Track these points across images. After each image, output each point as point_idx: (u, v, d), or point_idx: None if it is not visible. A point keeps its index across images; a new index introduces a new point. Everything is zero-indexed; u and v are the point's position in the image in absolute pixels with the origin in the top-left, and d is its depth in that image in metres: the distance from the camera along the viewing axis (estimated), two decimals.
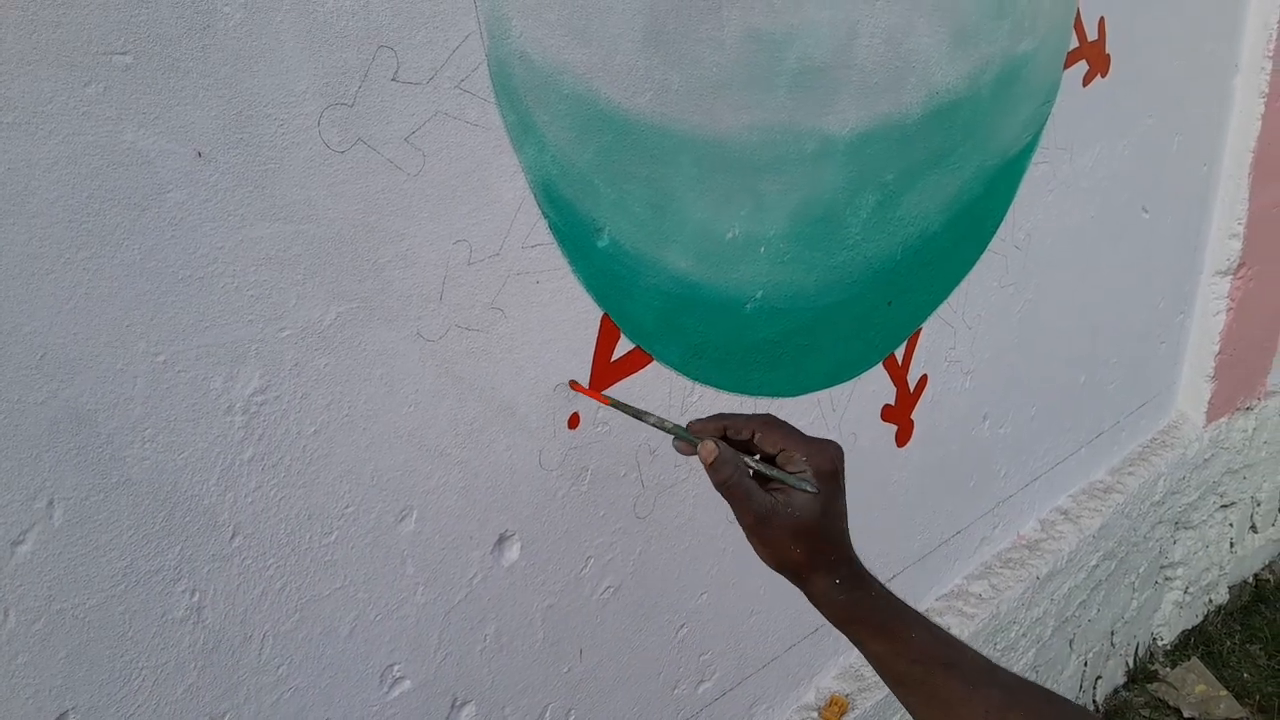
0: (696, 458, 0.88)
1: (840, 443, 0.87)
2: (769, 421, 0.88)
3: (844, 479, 0.87)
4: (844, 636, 0.86)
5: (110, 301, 0.75)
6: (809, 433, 0.87)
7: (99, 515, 0.79)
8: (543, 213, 1.01)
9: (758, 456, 0.88)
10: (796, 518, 0.83)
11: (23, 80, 0.68)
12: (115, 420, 0.78)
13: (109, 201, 0.73)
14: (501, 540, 1.10)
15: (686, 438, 0.90)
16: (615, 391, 1.16)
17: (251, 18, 0.77)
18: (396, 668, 1.04)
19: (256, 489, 0.88)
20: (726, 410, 1.27)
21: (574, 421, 1.12)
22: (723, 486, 0.86)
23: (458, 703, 1.12)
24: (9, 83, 0.67)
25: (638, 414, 0.97)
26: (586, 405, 1.13)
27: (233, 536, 0.87)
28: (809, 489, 0.83)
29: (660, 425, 0.94)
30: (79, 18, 0.69)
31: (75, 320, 0.74)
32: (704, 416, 0.91)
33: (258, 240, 0.81)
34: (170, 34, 0.73)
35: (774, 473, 0.85)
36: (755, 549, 0.86)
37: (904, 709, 0.86)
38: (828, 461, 0.85)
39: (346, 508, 0.95)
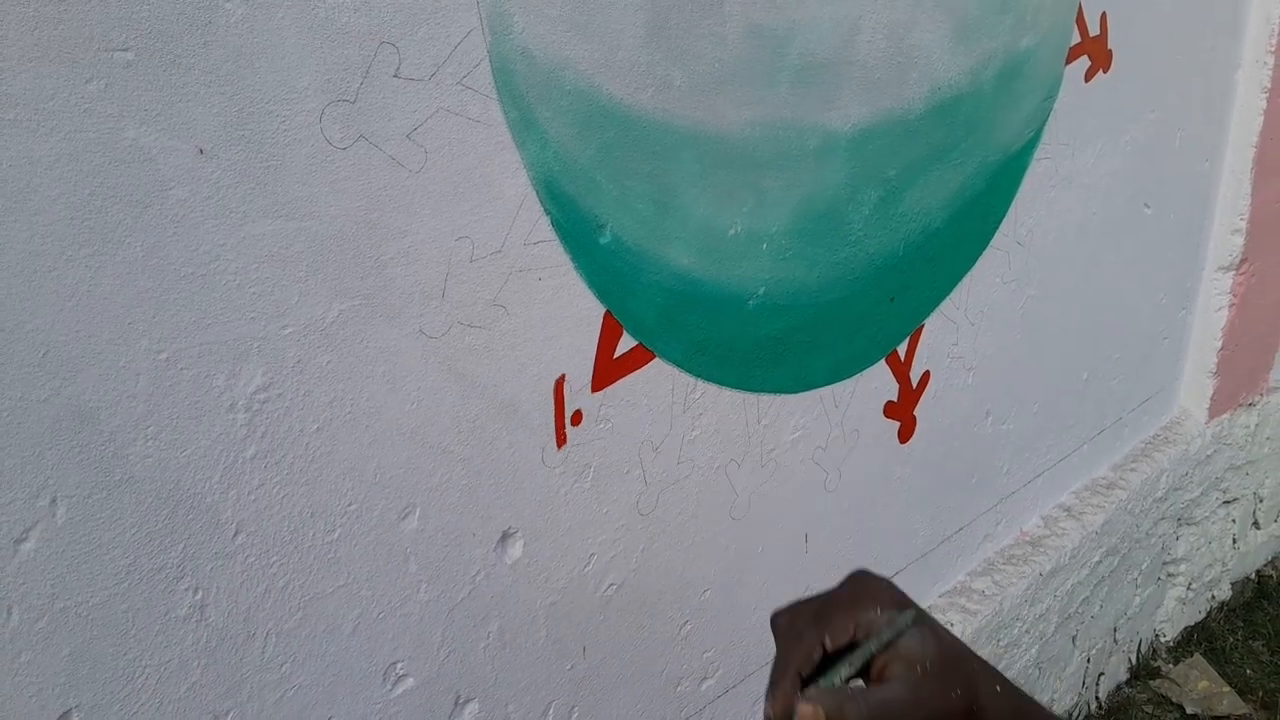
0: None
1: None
2: (817, 617, 0.66)
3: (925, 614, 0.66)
4: None
5: (112, 299, 0.75)
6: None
7: (102, 513, 0.79)
8: (545, 209, 1.01)
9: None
10: (925, 657, 0.63)
11: (24, 77, 0.68)
12: (118, 418, 0.77)
13: (111, 199, 0.73)
14: (504, 537, 1.10)
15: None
16: (618, 389, 1.15)
17: (253, 14, 0.76)
18: (400, 665, 1.04)
19: (259, 486, 0.87)
20: (722, 417, 1.24)
21: (577, 419, 1.12)
22: None
23: (461, 700, 1.12)
24: (10, 79, 0.67)
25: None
26: (590, 403, 1.13)
27: (235, 534, 0.87)
28: (903, 624, 0.63)
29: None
30: (80, 14, 0.69)
31: (77, 318, 0.74)
32: (771, 692, 0.64)
33: (260, 237, 0.81)
34: (172, 30, 0.73)
35: (865, 647, 0.63)
36: None
37: None
38: (885, 593, 0.66)
39: (349, 505, 0.95)
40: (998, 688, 0.64)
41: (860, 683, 0.63)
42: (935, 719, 0.62)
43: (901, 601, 0.65)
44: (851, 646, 0.64)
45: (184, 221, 0.77)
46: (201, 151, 0.76)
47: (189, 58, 0.74)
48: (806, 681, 0.64)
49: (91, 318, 0.74)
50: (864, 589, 0.66)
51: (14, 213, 0.69)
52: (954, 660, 0.64)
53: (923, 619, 0.64)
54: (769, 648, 1.44)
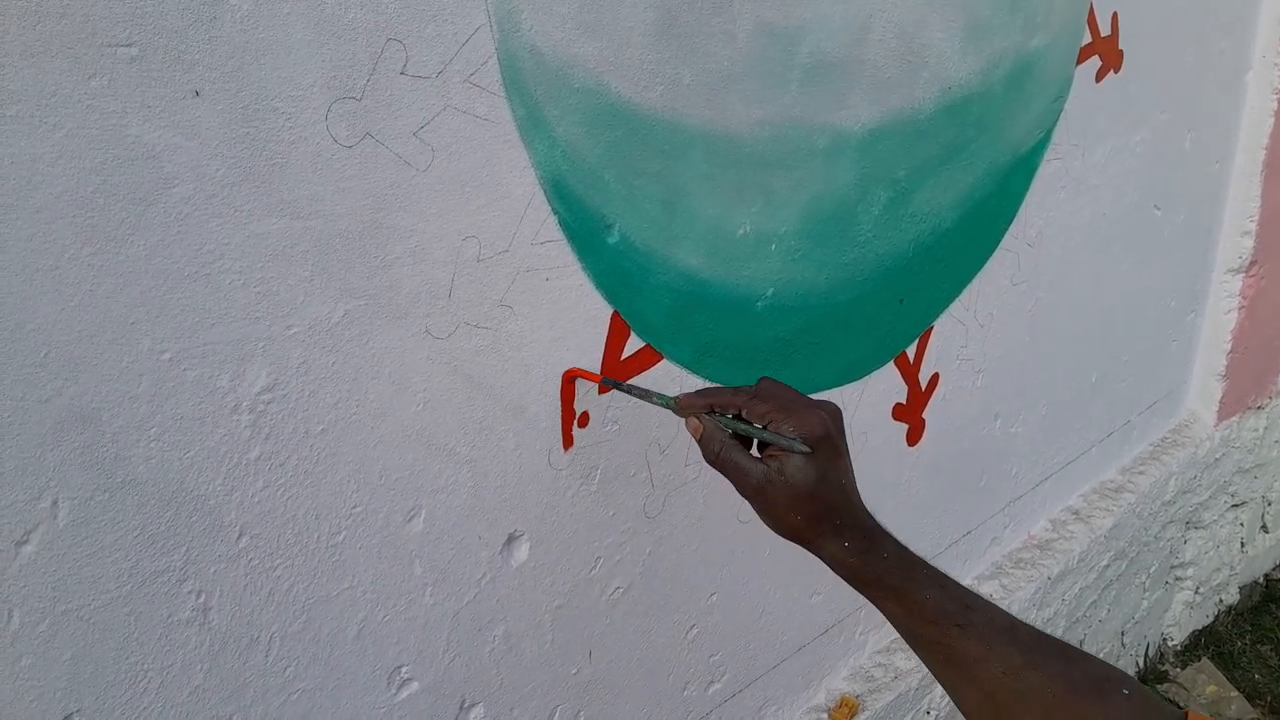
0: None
1: (851, 442, 0.85)
2: (758, 393, 0.88)
3: (844, 441, 0.86)
4: (856, 635, 0.86)
5: (115, 298, 0.74)
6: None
7: (104, 515, 0.78)
8: (552, 209, 1.00)
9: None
10: (792, 484, 0.82)
11: (27, 73, 0.67)
12: (120, 419, 0.76)
13: (114, 196, 0.72)
14: (510, 540, 1.09)
15: (673, 409, 0.91)
16: None
17: (259, 9, 0.75)
18: (405, 669, 1.03)
19: (264, 488, 0.86)
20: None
21: (584, 420, 1.11)
22: (713, 462, 0.86)
23: (466, 704, 1.11)
24: (12, 75, 0.66)
25: (632, 391, 0.99)
26: (596, 404, 1.12)
27: (239, 536, 0.86)
28: (798, 449, 0.82)
29: (654, 401, 0.95)
30: (84, 9, 0.68)
31: (79, 317, 0.73)
32: (692, 392, 0.92)
33: (264, 236, 0.80)
34: (176, 26, 0.72)
35: (764, 436, 0.84)
36: (760, 518, 0.85)
37: (914, 708, 0.84)
38: (818, 425, 0.84)
39: (354, 507, 0.94)
40: (846, 544, 0.82)
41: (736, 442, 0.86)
42: (769, 516, 0.84)
43: (825, 434, 0.83)
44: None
45: (187, 220, 0.76)
46: (198, 94, 0.74)
47: (193, 54, 0.73)
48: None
49: (94, 317, 0.73)
50: (813, 409, 0.85)
51: (15, 210, 0.68)
52: (813, 500, 0.82)
53: (828, 459, 0.83)
54: (776, 652, 1.45)
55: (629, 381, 1.03)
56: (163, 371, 0.78)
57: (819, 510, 0.83)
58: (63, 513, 0.76)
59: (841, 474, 0.85)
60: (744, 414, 0.87)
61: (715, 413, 0.89)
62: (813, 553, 0.85)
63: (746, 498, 0.85)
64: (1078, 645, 2.23)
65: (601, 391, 1.10)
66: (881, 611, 0.84)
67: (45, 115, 0.68)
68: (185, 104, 0.74)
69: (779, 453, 0.84)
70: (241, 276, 0.80)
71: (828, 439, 0.84)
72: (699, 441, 0.87)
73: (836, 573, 0.85)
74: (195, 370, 0.79)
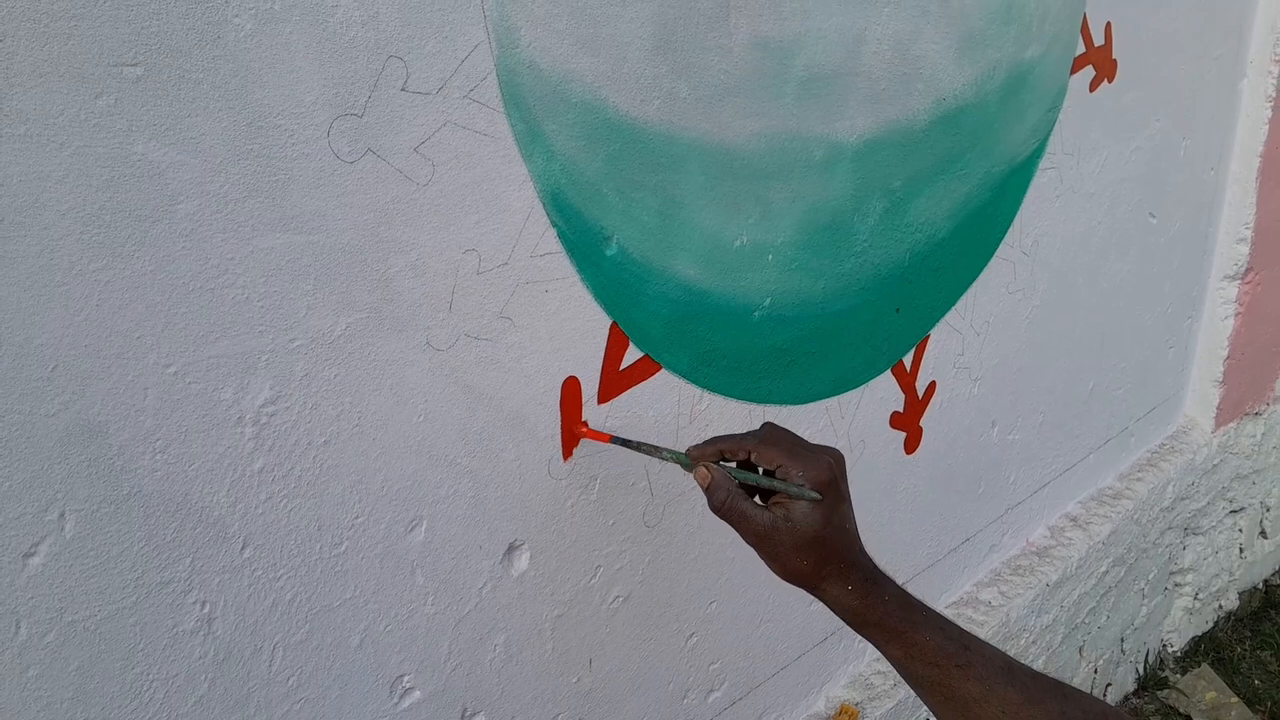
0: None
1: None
2: (765, 438, 0.90)
3: (846, 486, 0.88)
4: (856, 642, 0.87)
5: (121, 313, 0.75)
6: (816, 439, 0.88)
7: (110, 527, 0.79)
8: (551, 221, 1.01)
9: (762, 471, 0.89)
10: (798, 530, 0.84)
11: (35, 93, 0.68)
12: (126, 432, 0.78)
13: (120, 213, 0.73)
14: (511, 550, 1.10)
15: (684, 464, 0.93)
16: (624, 400, 1.15)
17: (262, 28, 0.77)
18: (406, 678, 1.04)
19: (267, 500, 0.87)
20: (729, 428, 1.27)
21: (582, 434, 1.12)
22: (719, 511, 0.87)
23: (468, 714, 1.11)
24: (21, 95, 0.67)
25: (641, 448, 1.00)
26: (597, 415, 1.13)
27: (243, 548, 0.87)
28: (809, 497, 0.84)
29: (662, 456, 0.97)
30: (90, 30, 0.69)
31: (87, 332, 0.74)
32: (700, 442, 0.93)
33: (268, 251, 0.81)
34: (181, 46, 0.73)
35: (772, 484, 0.87)
36: (766, 563, 0.87)
37: (913, 716, 0.86)
38: (824, 471, 0.86)
39: (356, 518, 0.95)
40: (849, 587, 0.84)
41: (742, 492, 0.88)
42: (775, 562, 0.86)
43: (830, 480, 0.85)
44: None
45: (192, 235, 0.77)
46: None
47: (198, 72, 0.75)
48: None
49: (100, 332, 0.75)
50: (820, 454, 0.87)
51: (24, 227, 0.69)
52: (818, 545, 0.84)
53: (834, 505, 0.85)
54: (776, 659, 1.46)
55: (627, 438, 1.04)
56: (168, 385, 0.79)
57: (824, 555, 0.85)
58: (70, 524, 0.77)
59: (846, 519, 0.87)
60: (752, 458, 0.90)
61: (723, 460, 0.92)
62: (816, 596, 0.87)
63: (752, 544, 0.87)
64: (1077, 651, 2.24)
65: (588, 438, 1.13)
66: (882, 653, 0.86)
67: (53, 134, 0.69)
68: (190, 121, 0.75)
69: (784, 499, 0.86)
70: (245, 291, 0.81)
71: (834, 485, 0.86)
72: (706, 490, 0.89)
73: (839, 615, 0.87)
74: (200, 384, 0.81)
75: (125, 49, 0.71)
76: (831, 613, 0.88)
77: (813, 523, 0.84)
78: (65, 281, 0.72)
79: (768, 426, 0.92)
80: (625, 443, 1.03)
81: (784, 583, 0.88)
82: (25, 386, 0.72)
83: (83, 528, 0.77)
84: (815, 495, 0.84)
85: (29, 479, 0.74)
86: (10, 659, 0.76)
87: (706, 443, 0.93)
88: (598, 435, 1.10)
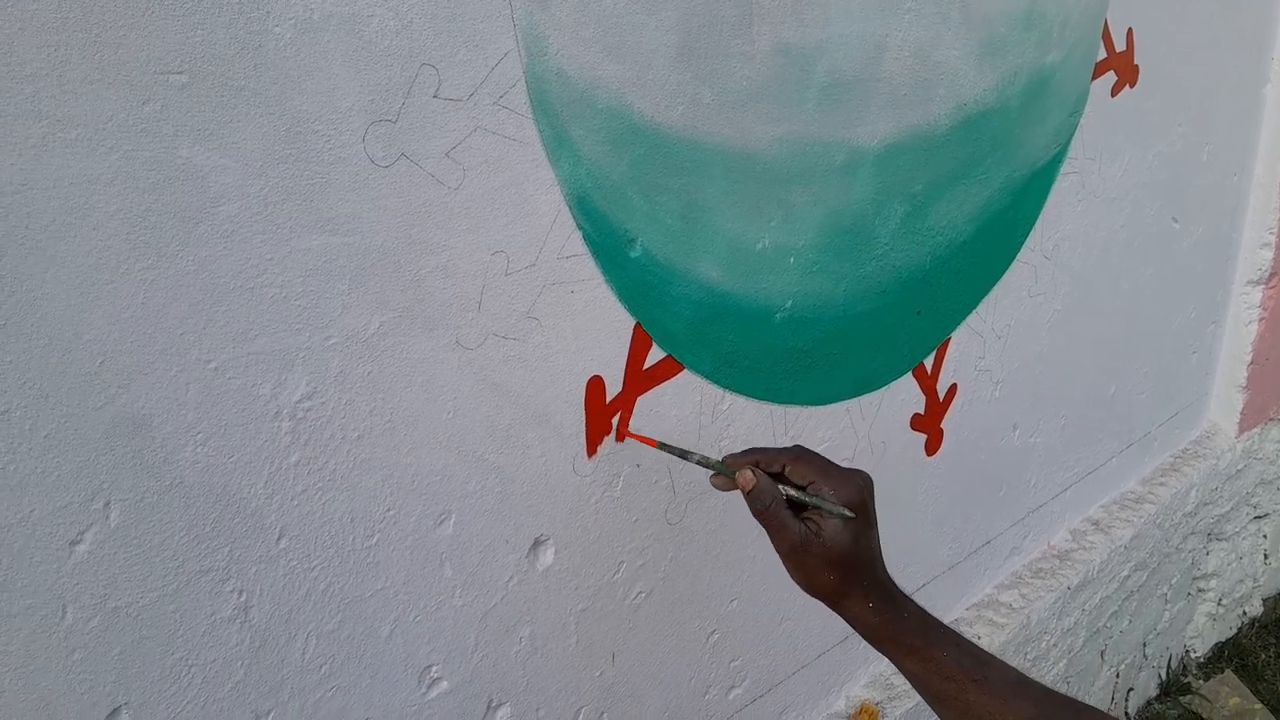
0: (735, 490, 0.93)
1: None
2: (799, 455, 0.93)
3: (874, 508, 0.90)
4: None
5: (166, 311, 0.78)
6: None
7: (153, 516, 0.82)
8: (577, 224, 1.04)
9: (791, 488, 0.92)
10: (829, 545, 0.87)
11: (86, 99, 0.71)
12: (169, 425, 0.81)
13: (165, 215, 0.76)
14: (536, 544, 1.12)
15: (724, 472, 0.94)
16: (646, 400, 1.18)
17: (301, 37, 0.80)
18: (434, 669, 1.07)
19: (302, 492, 0.90)
20: (750, 428, 1.29)
21: (609, 431, 1.15)
22: (761, 515, 0.90)
23: (493, 705, 1.14)
24: (73, 101, 0.70)
25: (682, 454, 1.03)
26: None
27: (279, 538, 0.90)
28: (843, 514, 0.87)
29: (702, 462, 0.99)
30: (138, 39, 0.72)
31: (133, 329, 0.77)
32: (738, 451, 0.96)
33: (305, 251, 0.84)
34: (224, 54, 0.76)
35: (811, 500, 0.89)
36: (790, 574, 0.90)
37: (933, 716, 0.88)
38: (855, 492, 0.89)
39: (388, 511, 0.97)
40: (870, 604, 0.88)
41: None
42: (802, 574, 0.88)
43: (861, 501, 0.88)
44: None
45: (233, 237, 0.80)
46: None
47: (240, 79, 0.78)
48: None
49: (145, 329, 0.78)
50: (851, 476, 0.90)
51: (74, 228, 0.73)
52: (845, 562, 0.87)
53: (863, 525, 0.88)
54: (796, 657, 1.48)
55: (669, 443, 1.08)
56: (209, 380, 0.82)
57: (850, 572, 0.88)
58: (114, 514, 0.80)
59: (872, 539, 0.90)
60: (786, 472, 0.92)
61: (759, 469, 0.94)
62: (837, 611, 0.90)
63: (782, 554, 0.90)
64: (1099, 655, 2.24)
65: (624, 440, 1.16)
66: (900, 669, 0.89)
67: (103, 138, 0.72)
68: (232, 127, 0.78)
69: (816, 515, 0.89)
70: (283, 290, 0.84)
71: (864, 505, 0.89)
72: (749, 494, 0.91)
73: (858, 630, 0.90)
74: (240, 379, 0.84)
75: (171, 57, 0.74)
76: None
77: (842, 540, 0.87)
78: (113, 280, 0.75)
79: (798, 447, 0.95)
80: (668, 448, 1.06)
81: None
82: (74, 381, 0.75)
83: (127, 517, 0.80)
84: (849, 513, 0.87)
85: (76, 469, 0.77)
86: (56, 643, 0.80)
87: (744, 452, 0.96)
88: (644, 439, 1.12)
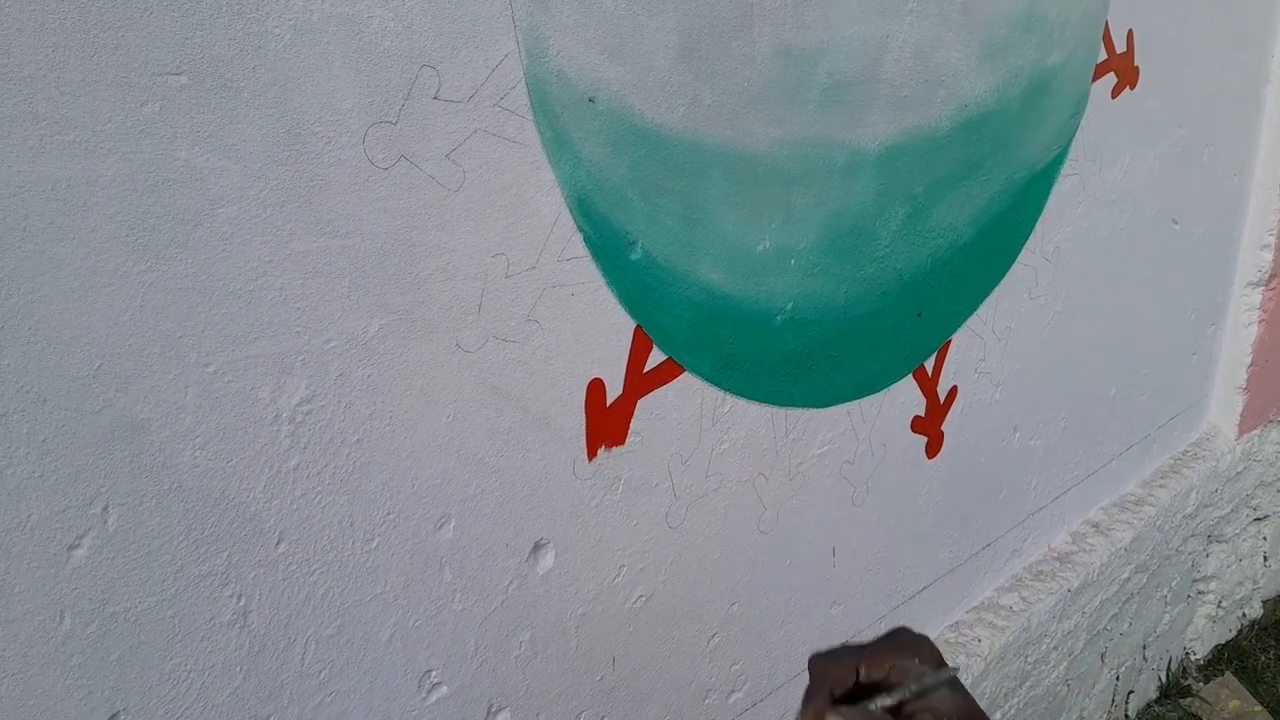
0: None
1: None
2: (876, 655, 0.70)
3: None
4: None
5: (164, 314, 0.78)
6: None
7: (151, 521, 0.81)
8: (578, 226, 1.03)
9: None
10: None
11: (83, 100, 0.70)
12: (168, 428, 0.80)
13: (164, 217, 0.76)
14: (536, 548, 1.12)
15: None
16: (647, 403, 1.17)
17: (300, 39, 0.79)
18: (434, 673, 1.06)
19: (301, 496, 0.90)
20: (751, 431, 1.27)
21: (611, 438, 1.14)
22: None
23: (493, 710, 1.13)
24: (71, 103, 0.70)
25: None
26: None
27: (278, 543, 0.89)
28: (945, 676, 0.67)
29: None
30: (137, 41, 0.72)
31: (131, 332, 0.76)
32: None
33: (305, 254, 0.84)
34: (223, 55, 0.76)
35: (900, 693, 0.67)
36: None
37: None
38: (926, 654, 0.69)
39: (388, 515, 0.97)
40: None
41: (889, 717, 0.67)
42: None
43: (938, 660, 0.69)
44: (885, 688, 0.68)
45: (232, 239, 0.80)
46: None
47: (239, 81, 0.77)
48: (838, 703, 0.68)
49: (144, 332, 0.77)
50: (905, 640, 0.70)
51: (72, 230, 0.72)
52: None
53: (955, 681, 0.68)
54: (796, 661, 1.47)
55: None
56: (208, 383, 0.81)
57: None
58: (112, 518, 0.79)
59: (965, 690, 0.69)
60: (861, 673, 0.68)
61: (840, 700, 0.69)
62: None
63: None
64: (1099, 658, 2.24)
65: None
66: None
67: (101, 140, 0.72)
68: (231, 129, 0.77)
69: (917, 703, 0.67)
70: (282, 293, 0.84)
71: (940, 656, 0.70)
72: None
73: None
74: (239, 382, 0.83)
75: (170, 58, 0.73)
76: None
77: (957, 701, 0.67)
78: (111, 283, 0.75)
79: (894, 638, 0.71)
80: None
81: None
82: (71, 384, 0.75)
83: (125, 521, 0.80)
84: (951, 669, 0.68)
85: (74, 473, 0.76)
86: (54, 648, 0.79)
87: (807, 700, 0.68)
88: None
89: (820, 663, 0.70)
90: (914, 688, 0.67)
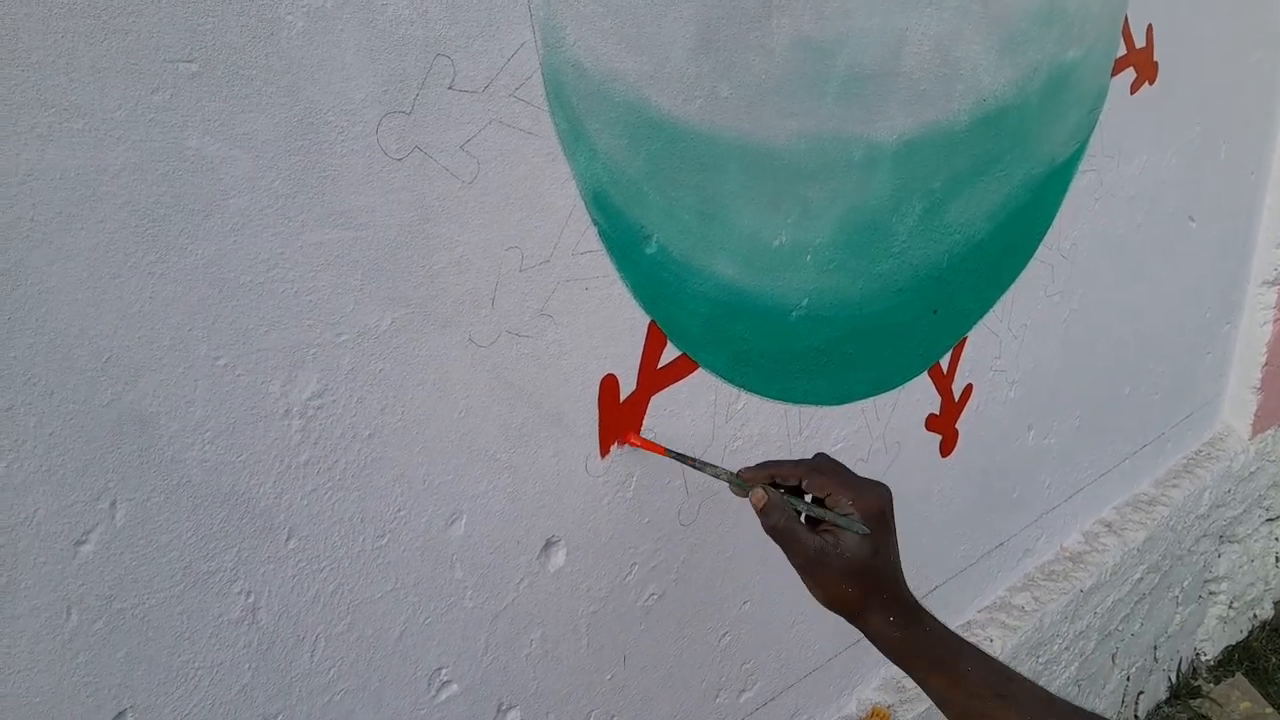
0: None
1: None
2: (817, 466, 0.91)
3: (893, 519, 0.89)
4: None
5: (173, 306, 0.76)
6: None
7: (160, 516, 0.80)
8: (593, 220, 1.02)
9: (810, 498, 0.90)
10: (847, 559, 0.86)
11: (92, 88, 0.69)
12: (177, 423, 0.79)
13: (173, 207, 0.74)
14: (548, 545, 1.11)
15: (737, 484, 0.93)
16: (661, 399, 1.16)
17: (314, 26, 0.78)
18: (444, 671, 1.05)
19: (312, 491, 0.88)
20: (765, 428, 1.27)
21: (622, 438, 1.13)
22: (772, 531, 0.88)
23: (503, 708, 1.12)
24: (79, 90, 0.68)
25: (694, 463, 1.01)
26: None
27: (288, 539, 0.88)
28: (858, 530, 0.86)
29: (715, 474, 0.97)
30: (147, 27, 0.70)
31: (139, 324, 0.75)
32: (753, 465, 0.94)
33: (317, 245, 0.82)
34: (235, 42, 0.74)
35: (825, 514, 0.88)
36: (809, 589, 0.88)
37: None
38: (875, 504, 0.87)
39: (399, 511, 0.95)
40: (891, 618, 0.86)
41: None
42: (820, 589, 0.86)
43: (880, 512, 0.87)
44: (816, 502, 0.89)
45: (243, 230, 0.78)
46: None
47: (251, 69, 0.76)
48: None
49: (152, 324, 0.76)
50: (871, 486, 0.89)
51: (80, 220, 0.71)
52: (865, 575, 0.85)
53: (882, 537, 0.86)
54: (808, 661, 1.45)
55: (680, 452, 1.05)
56: (218, 377, 0.80)
57: (869, 585, 0.86)
58: (120, 513, 0.78)
59: (892, 551, 0.89)
60: (804, 485, 0.90)
61: (775, 486, 0.92)
62: (857, 626, 0.88)
63: (798, 568, 0.88)
64: (1109, 659, 2.22)
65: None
66: (922, 685, 0.87)
67: (110, 129, 0.70)
68: (243, 117, 0.76)
69: (834, 528, 0.87)
70: (294, 285, 0.82)
71: (883, 517, 0.88)
72: (760, 511, 0.89)
73: (878, 646, 0.88)
74: (249, 376, 0.82)
75: (181, 45, 0.72)
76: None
77: (861, 553, 0.85)
78: (120, 274, 0.73)
79: (820, 456, 0.93)
80: (679, 457, 1.04)
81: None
82: (79, 377, 0.73)
83: (133, 516, 0.78)
84: (864, 529, 0.86)
85: (82, 468, 0.75)
86: (61, 645, 0.78)
87: (759, 466, 0.94)
88: (651, 446, 1.10)
89: (775, 464, 0.92)
90: (836, 517, 0.86)
